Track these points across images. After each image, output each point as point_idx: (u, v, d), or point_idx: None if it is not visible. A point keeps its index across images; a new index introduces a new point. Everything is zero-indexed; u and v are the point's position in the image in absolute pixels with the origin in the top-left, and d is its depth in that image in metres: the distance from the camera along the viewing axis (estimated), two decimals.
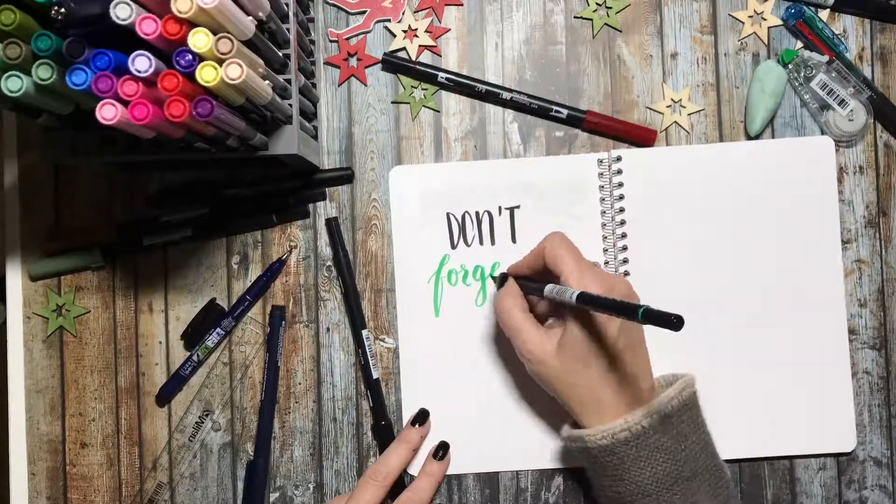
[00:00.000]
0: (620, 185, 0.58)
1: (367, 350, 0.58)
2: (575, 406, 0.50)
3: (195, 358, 0.58)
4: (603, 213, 0.58)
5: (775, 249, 0.58)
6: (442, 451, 0.57)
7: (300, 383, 0.59)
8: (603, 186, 0.58)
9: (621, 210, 0.58)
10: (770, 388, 0.57)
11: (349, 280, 0.58)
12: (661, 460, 0.48)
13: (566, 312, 0.50)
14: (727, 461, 0.57)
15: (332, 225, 0.58)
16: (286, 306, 0.59)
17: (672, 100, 0.59)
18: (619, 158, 0.58)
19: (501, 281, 0.55)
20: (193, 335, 0.58)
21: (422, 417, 0.57)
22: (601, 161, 0.58)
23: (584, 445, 0.49)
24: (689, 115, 0.59)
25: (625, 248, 0.58)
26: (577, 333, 0.49)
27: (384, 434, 0.58)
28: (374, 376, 0.58)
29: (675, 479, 0.48)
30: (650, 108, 0.59)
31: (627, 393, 0.49)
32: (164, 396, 0.58)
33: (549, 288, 0.50)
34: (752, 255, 0.58)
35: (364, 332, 0.58)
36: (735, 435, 0.57)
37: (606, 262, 0.58)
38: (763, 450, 0.57)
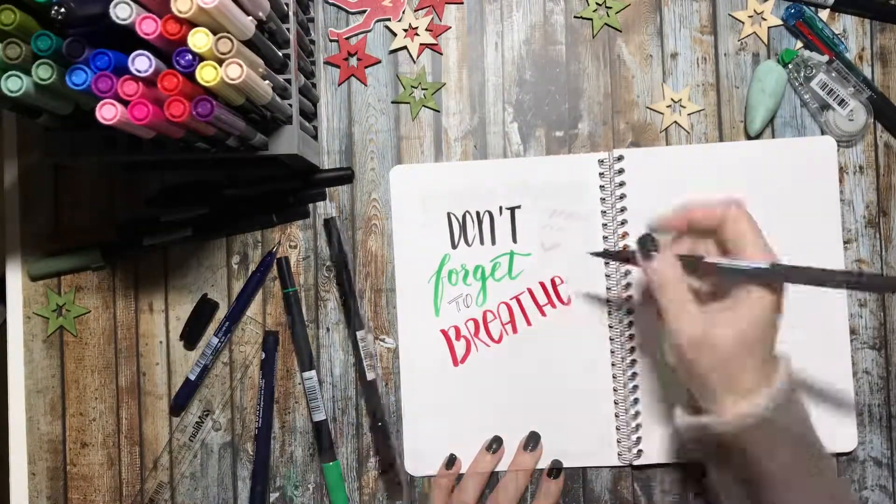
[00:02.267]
0: (622, 184, 0.58)
1: (361, 351, 0.58)
2: (719, 391, 0.45)
3: (203, 362, 0.58)
4: (604, 212, 0.58)
5: (776, 249, 0.58)
6: (533, 442, 0.57)
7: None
8: (604, 186, 0.58)
9: (623, 210, 0.58)
10: None
11: (346, 282, 0.58)
12: (788, 441, 0.45)
13: (732, 290, 0.47)
14: None
15: (331, 225, 0.58)
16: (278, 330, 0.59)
17: (672, 100, 0.59)
18: (620, 158, 0.58)
19: (645, 242, 0.50)
20: (192, 334, 0.58)
21: (534, 441, 0.57)
22: (602, 161, 0.58)
23: (711, 431, 0.46)
24: (689, 115, 0.59)
25: (626, 248, 0.58)
26: (757, 316, 0.45)
27: (380, 434, 0.57)
28: (369, 377, 0.58)
29: (808, 457, 0.46)
30: (650, 108, 0.59)
31: (762, 374, 0.46)
32: (180, 405, 0.58)
33: (725, 260, 0.46)
34: None
35: (359, 334, 0.58)
36: None
37: (607, 263, 0.58)
38: None
